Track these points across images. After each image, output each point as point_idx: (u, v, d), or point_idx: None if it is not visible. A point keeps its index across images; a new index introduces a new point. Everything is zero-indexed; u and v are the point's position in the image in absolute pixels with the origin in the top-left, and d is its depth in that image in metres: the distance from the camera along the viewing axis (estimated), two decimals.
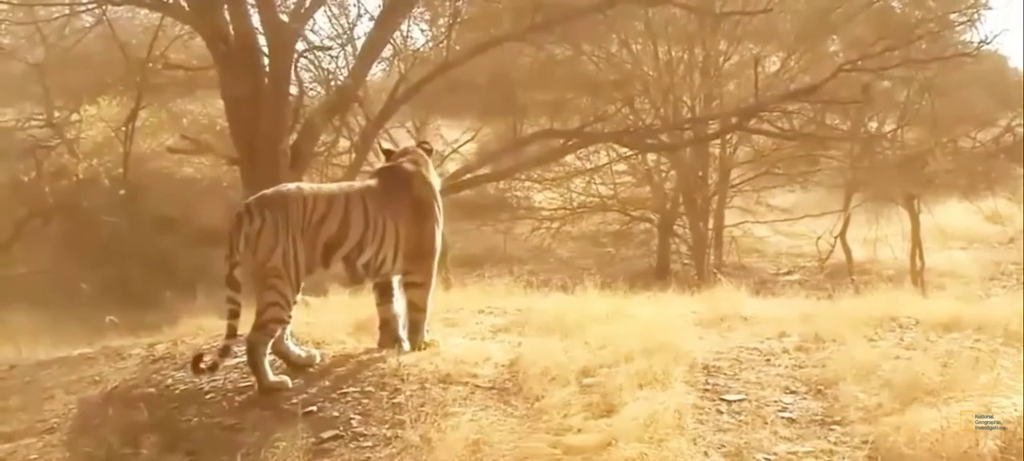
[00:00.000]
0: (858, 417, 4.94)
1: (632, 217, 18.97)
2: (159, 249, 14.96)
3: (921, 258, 18.20)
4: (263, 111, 12.00)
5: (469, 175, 14.60)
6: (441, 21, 15.79)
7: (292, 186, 5.84)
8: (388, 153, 6.29)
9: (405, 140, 16.96)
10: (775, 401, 5.20)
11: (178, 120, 16.49)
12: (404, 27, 15.40)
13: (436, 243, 5.99)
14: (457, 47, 14.49)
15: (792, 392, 5.33)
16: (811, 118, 16.36)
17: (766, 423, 4.91)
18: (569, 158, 16.88)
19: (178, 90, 15.76)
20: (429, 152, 6.31)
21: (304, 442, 4.88)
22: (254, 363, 5.49)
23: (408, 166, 6.07)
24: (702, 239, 17.95)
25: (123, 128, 14.17)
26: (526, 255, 18.24)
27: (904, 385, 5.14)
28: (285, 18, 12.76)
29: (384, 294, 5.99)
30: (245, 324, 5.58)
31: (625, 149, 17.08)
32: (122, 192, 14.53)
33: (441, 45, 15.11)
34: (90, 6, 13.95)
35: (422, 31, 17.37)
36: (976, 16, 16.21)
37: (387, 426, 5.02)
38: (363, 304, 6.65)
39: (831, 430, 4.87)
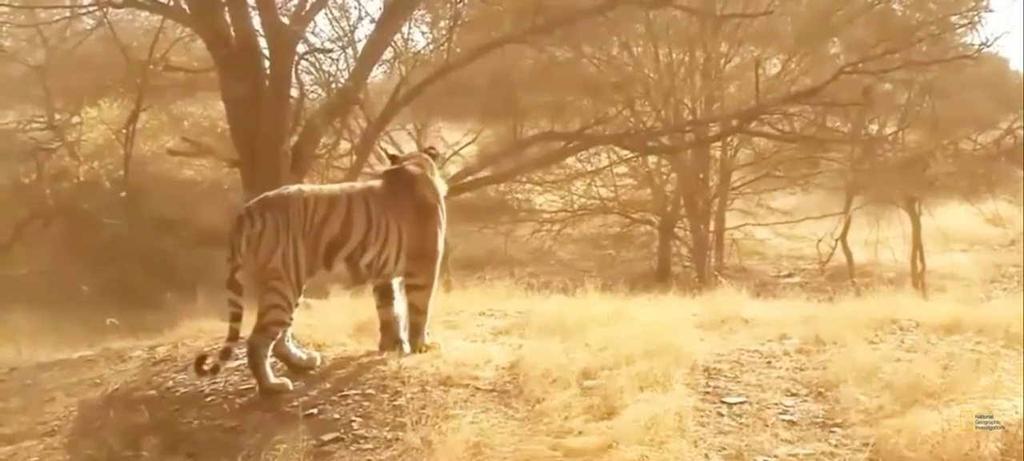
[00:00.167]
0: (859, 419, 4.94)
1: (633, 219, 18.98)
2: (160, 251, 14.95)
3: (922, 260, 18.19)
4: (264, 113, 12.00)
5: (470, 177, 14.60)
6: (442, 23, 15.85)
7: (293, 188, 5.86)
8: (393, 158, 6.30)
9: (406, 142, 17.02)
10: (776, 403, 5.20)
11: (179, 122, 16.51)
12: (405, 29, 15.48)
13: (439, 245, 5.99)
14: (458, 49, 14.51)
15: (793, 394, 5.33)
16: (812, 120, 16.41)
17: (767, 425, 4.91)
18: (570, 160, 16.87)
19: (179, 92, 15.78)
20: (434, 157, 6.31)
21: (305, 444, 4.88)
22: (255, 365, 5.49)
23: (412, 168, 6.08)
24: (703, 241, 17.95)
25: (124, 130, 14.20)
26: (527, 257, 18.25)
27: (905, 387, 5.14)
28: (286, 20, 12.75)
29: (384, 297, 5.99)
30: (246, 327, 5.58)
31: (626, 151, 17.09)
32: (123, 194, 14.56)
33: (442, 47, 15.15)
34: (91, 8, 14.00)
35: (423, 33, 17.41)
36: (977, 18, 16.27)
37: (388, 428, 5.03)
38: (364, 306, 6.64)
39: (832, 432, 4.87)
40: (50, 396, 6.12)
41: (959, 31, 16.88)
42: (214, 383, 5.70)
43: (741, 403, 5.19)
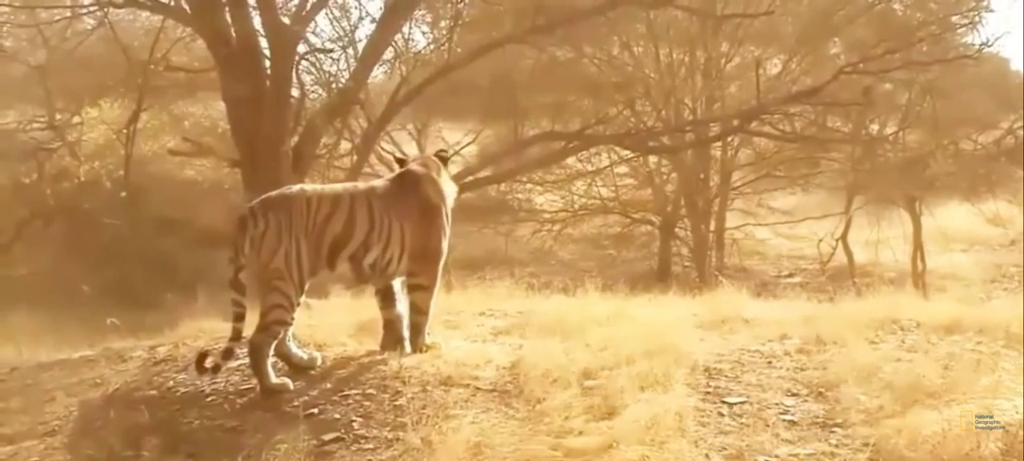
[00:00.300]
0: (859, 419, 4.94)
1: (633, 219, 18.98)
2: (160, 251, 14.94)
3: (922, 260, 18.20)
4: (264, 113, 12.00)
5: (470, 177, 14.60)
6: (442, 23, 15.85)
7: (296, 188, 5.87)
8: (402, 161, 6.31)
9: (407, 142, 17.03)
10: (776, 403, 5.20)
11: (179, 122, 16.52)
12: (405, 29, 15.47)
13: (442, 246, 5.99)
14: (458, 49, 14.51)
15: (793, 394, 5.33)
16: (812, 120, 16.41)
17: (767, 425, 4.92)
18: (570, 160, 16.88)
19: (179, 92, 15.77)
20: (445, 161, 6.27)
21: (305, 444, 4.89)
22: (257, 364, 5.50)
23: (418, 169, 6.08)
24: (703, 241, 17.95)
25: (124, 130, 14.20)
26: (527, 257, 18.25)
27: (905, 387, 5.14)
28: (287, 20, 12.76)
29: (387, 299, 6.00)
30: (248, 328, 5.59)
31: (626, 151, 17.09)
32: (123, 194, 14.57)
33: (442, 47, 15.15)
34: (92, 8, 14.00)
35: (423, 33, 17.42)
36: (977, 18, 16.27)
37: (388, 429, 5.03)
38: (364, 306, 6.65)
39: (832, 432, 4.87)
40: (51, 396, 6.12)
41: (960, 31, 16.89)
42: (215, 383, 5.70)
43: (742, 403, 5.19)
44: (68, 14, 14.03)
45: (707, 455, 4.62)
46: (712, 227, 18.51)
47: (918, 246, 18.32)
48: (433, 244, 5.93)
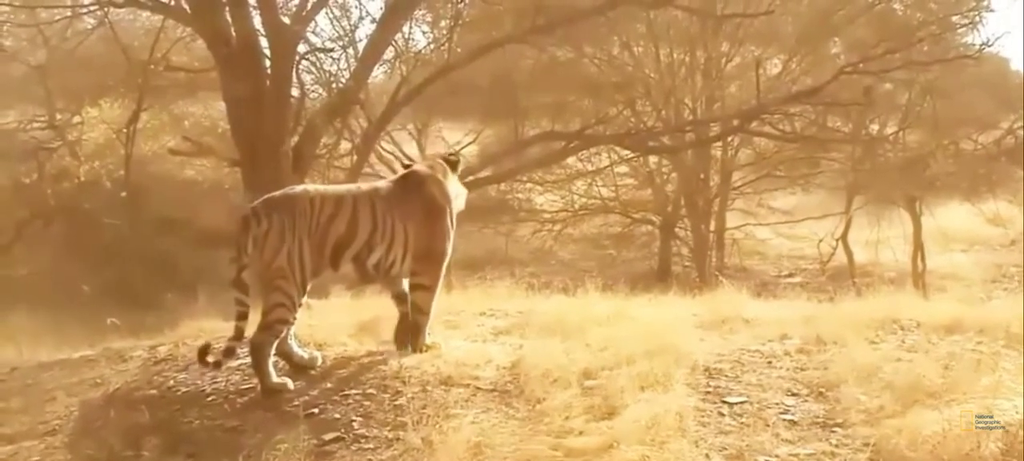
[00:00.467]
0: (860, 419, 4.94)
1: (634, 219, 18.99)
2: (160, 251, 14.94)
3: (923, 260, 18.21)
4: (265, 113, 11.99)
5: (470, 177, 14.58)
6: (443, 23, 15.84)
7: (299, 188, 5.88)
8: (407, 165, 6.31)
9: (407, 142, 17.03)
10: (777, 403, 5.20)
11: (180, 122, 16.51)
12: (406, 29, 15.47)
13: (446, 247, 5.99)
14: (459, 49, 14.51)
15: (794, 394, 5.33)
16: (813, 120, 16.41)
17: (768, 425, 4.91)
18: (570, 160, 16.89)
19: (180, 92, 15.77)
20: (453, 165, 6.26)
21: (306, 444, 4.89)
22: (258, 363, 5.50)
23: (422, 170, 6.09)
24: (703, 241, 17.96)
25: (125, 130, 14.19)
26: (527, 257, 18.26)
27: (906, 387, 5.14)
28: (287, 20, 12.75)
29: (401, 298, 6.03)
30: (250, 327, 5.59)
31: (627, 151, 17.09)
32: (123, 194, 14.56)
33: (443, 47, 15.14)
34: (92, 8, 13.98)
35: (424, 33, 17.42)
36: (978, 18, 16.27)
37: (389, 428, 5.03)
38: (365, 306, 6.66)
39: (833, 432, 4.87)
40: (51, 396, 6.12)
41: (960, 31, 16.89)
42: (215, 383, 5.71)
43: (742, 403, 5.19)
44: (68, 14, 14.02)
45: (707, 455, 4.62)
46: (712, 227, 18.53)
47: (918, 246, 18.32)
48: (437, 245, 5.93)
